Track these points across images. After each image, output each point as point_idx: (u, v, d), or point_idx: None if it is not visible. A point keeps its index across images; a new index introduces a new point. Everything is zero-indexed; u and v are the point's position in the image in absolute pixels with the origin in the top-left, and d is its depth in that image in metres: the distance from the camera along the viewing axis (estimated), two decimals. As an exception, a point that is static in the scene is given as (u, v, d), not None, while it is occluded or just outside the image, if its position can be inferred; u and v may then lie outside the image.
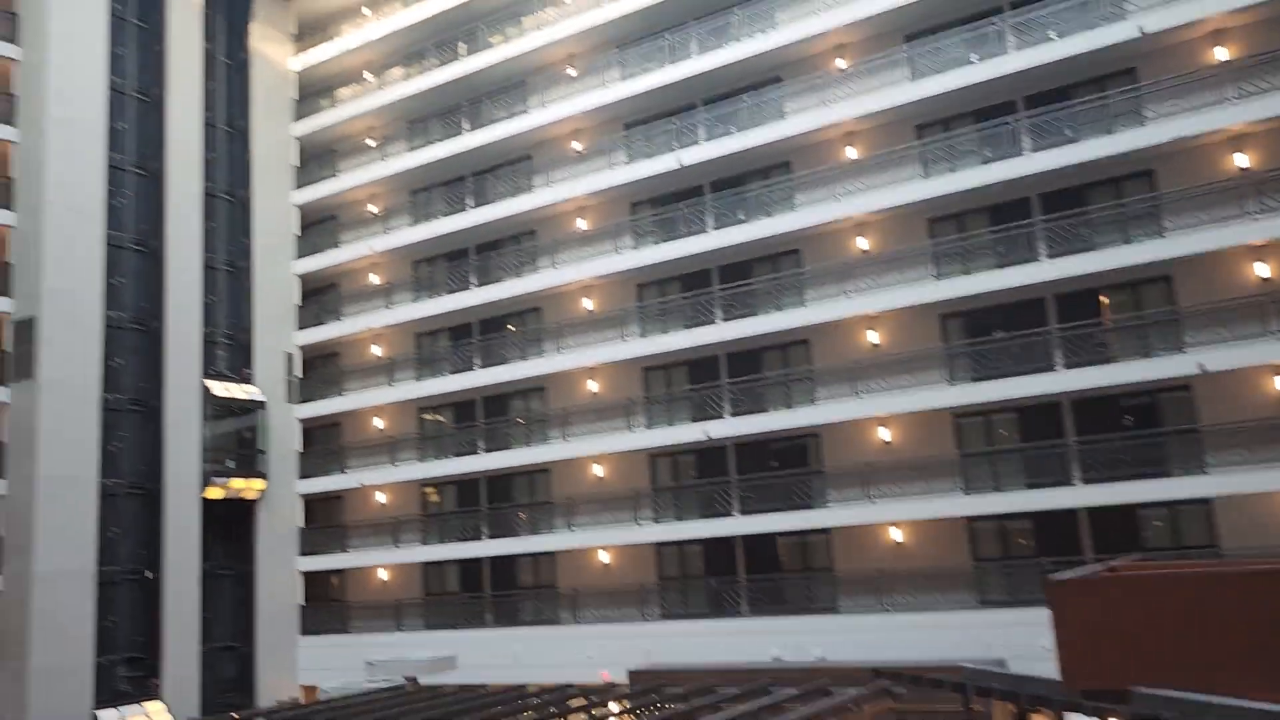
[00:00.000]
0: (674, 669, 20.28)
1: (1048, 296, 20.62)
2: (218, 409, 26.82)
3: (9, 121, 24.85)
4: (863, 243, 22.57)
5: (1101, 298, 20.32)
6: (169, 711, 24.24)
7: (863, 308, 21.81)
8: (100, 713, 23.27)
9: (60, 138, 24.58)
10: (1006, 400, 20.32)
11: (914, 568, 20.97)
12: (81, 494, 23.79)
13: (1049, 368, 19.97)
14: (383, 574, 27.86)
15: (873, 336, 22.21)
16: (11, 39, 25.07)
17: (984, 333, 21.24)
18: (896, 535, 21.38)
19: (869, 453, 21.90)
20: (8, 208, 24.56)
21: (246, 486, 27.06)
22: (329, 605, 28.32)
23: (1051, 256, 20.12)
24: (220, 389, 26.94)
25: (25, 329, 23.85)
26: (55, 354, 23.79)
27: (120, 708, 23.65)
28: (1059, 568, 16.37)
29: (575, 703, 16.68)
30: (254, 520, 27.52)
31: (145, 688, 24.43)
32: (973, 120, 21.91)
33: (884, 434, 21.80)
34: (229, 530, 27.04)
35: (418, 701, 18.05)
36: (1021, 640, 18.16)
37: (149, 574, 25.06)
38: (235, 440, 27.27)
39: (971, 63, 21.35)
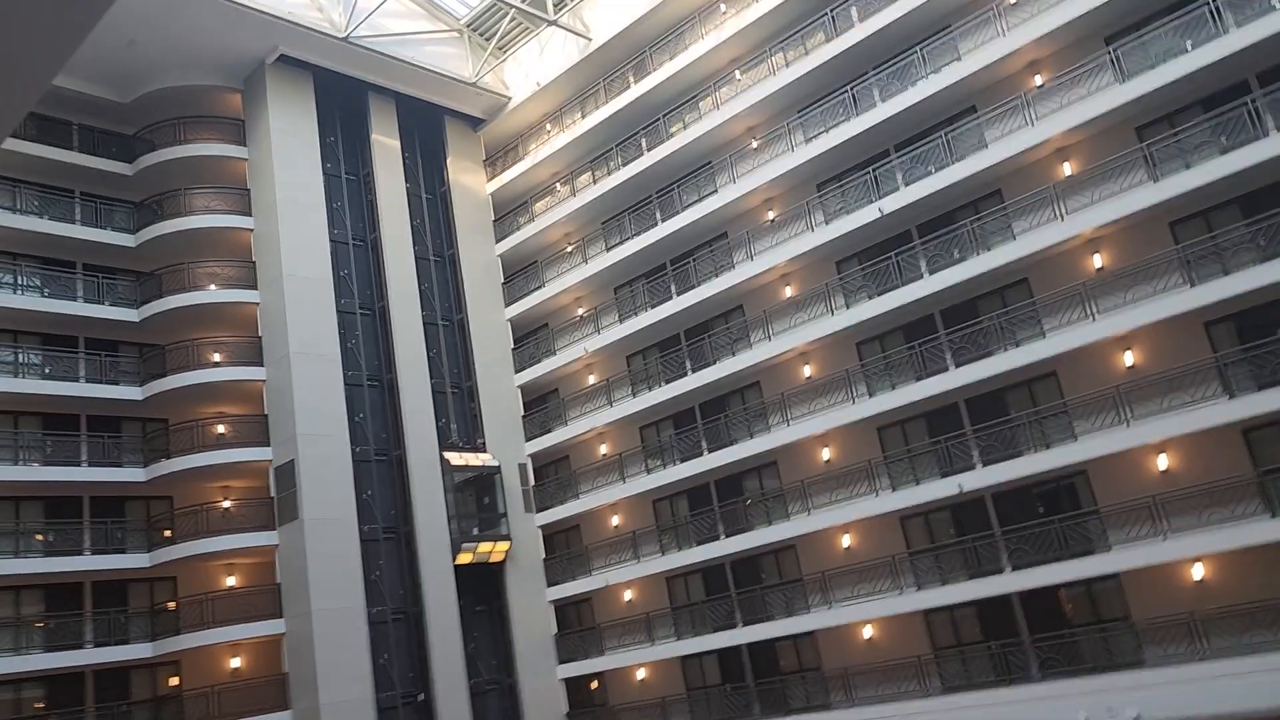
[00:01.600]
0: (970, 746, 18.74)
1: (1333, 284, 18.36)
2: (457, 479, 27.85)
3: (252, 286, 27.08)
4: (1098, 260, 20.99)
5: (1400, 275, 17.87)
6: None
7: (1111, 329, 20.10)
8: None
9: (295, 293, 26.48)
10: (1304, 405, 18.05)
11: (1227, 606, 18.65)
12: (352, 625, 24.76)
13: (1351, 361, 17.64)
14: (641, 673, 27.48)
15: (1128, 358, 20.43)
16: (246, 212, 27.51)
17: (1260, 335, 19.05)
18: (1198, 572, 19.16)
19: (1147, 484, 19.87)
20: (259, 364, 26.58)
21: (493, 549, 27.86)
22: (593, 711, 28.12)
23: (1328, 238, 17.98)
24: (457, 459, 28.00)
25: (286, 474, 25.43)
26: (315, 494, 25.14)
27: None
28: None
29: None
30: (505, 590, 28.09)
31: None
32: (1201, 110, 20.13)
33: (1161, 462, 19.80)
34: (484, 609, 27.78)
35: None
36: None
37: (421, 696, 25.73)
38: (476, 505, 28.26)
39: (1186, 50, 19.73)
